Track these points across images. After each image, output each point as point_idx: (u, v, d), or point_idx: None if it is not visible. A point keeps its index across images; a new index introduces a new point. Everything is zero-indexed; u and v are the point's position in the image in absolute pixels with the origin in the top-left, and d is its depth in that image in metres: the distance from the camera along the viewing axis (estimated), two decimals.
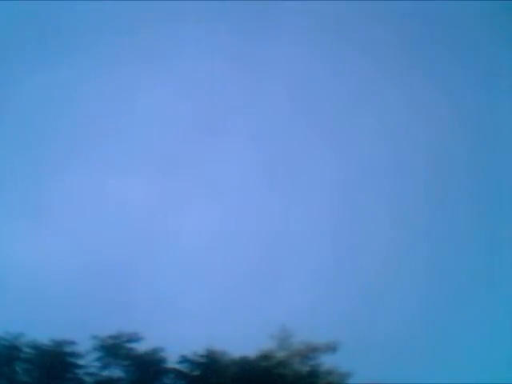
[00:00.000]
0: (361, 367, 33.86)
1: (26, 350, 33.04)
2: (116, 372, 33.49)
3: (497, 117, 49.73)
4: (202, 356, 34.35)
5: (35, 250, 41.04)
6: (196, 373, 34.20)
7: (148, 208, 46.72)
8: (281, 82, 51.69)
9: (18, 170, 47.32)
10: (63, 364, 32.83)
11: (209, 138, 50.61)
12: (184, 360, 34.09)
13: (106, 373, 33.43)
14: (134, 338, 33.64)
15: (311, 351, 35.06)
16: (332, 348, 35.04)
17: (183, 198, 47.83)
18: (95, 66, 50.45)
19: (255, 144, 51.00)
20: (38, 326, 32.72)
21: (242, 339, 33.72)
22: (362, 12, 51.24)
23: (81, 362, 33.35)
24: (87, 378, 33.25)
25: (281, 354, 34.99)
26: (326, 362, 35.07)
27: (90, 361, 33.46)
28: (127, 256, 41.76)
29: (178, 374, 34.16)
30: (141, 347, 33.75)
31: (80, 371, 33.21)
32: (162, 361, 33.93)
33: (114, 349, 33.26)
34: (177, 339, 32.86)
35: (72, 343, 33.26)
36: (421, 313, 39.94)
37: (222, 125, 51.24)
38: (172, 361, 34.30)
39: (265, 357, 34.68)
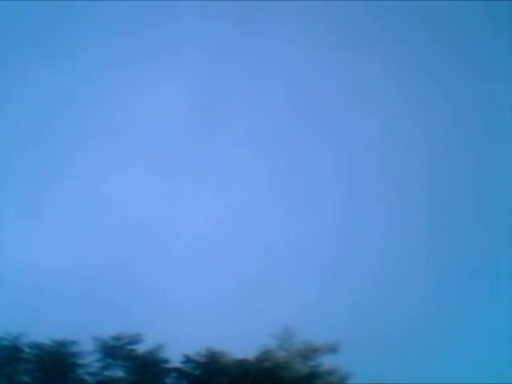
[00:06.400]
0: (361, 367, 33.93)
1: (27, 350, 33.03)
2: (117, 372, 33.51)
3: (497, 116, 49.85)
4: (202, 356, 34.37)
5: (36, 250, 41.06)
6: (197, 373, 34.22)
7: (148, 209, 46.77)
8: (281, 82, 51.78)
9: (18, 169, 47.32)
10: (64, 364, 32.83)
11: (209, 136, 50.67)
12: (186, 360, 34.12)
13: (107, 373, 33.43)
14: (136, 340, 33.70)
15: (312, 351, 35.11)
16: (333, 348, 35.11)
17: (183, 198, 47.94)
18: (96, 65, 50.49)
19: (255, 142, 51.06)
20: (39, 327, 32.73)
21: (243, 339, 33.77)
22: (361, 12, 51.33)
23: (82, 362, 33.36)
24: (88, 378, 33.27)
25: (282, 355, 35.04)
26: (327, 362, 35.21)
27: (91, 361, 33.50)
28: (128, 256, 41.84)
29: (179, 374, 34.19)
30: (142, 348, 33.83)
31: (81, 371, 33.22)
32: (163, 361, 33.95)
33: (115, 350, 33.30)
34: (177, 339, 32.90)
35: (73, 343, 33.29)
36: (421, 313, 40.02)
37: (222, 123, 51.28)
38: (172, 361, 34.34)
39: (266, 357, 34.73)
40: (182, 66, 51.32)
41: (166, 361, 33.98)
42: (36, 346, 33.10)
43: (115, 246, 42.41)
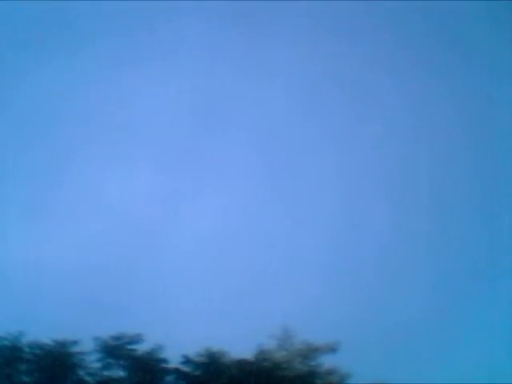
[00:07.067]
0: (361, 367, 33.94)
1: (28, 350, 33.09)
2: (117, 372, 33.57)
3: (498, 117, 49.82)
4: (202, 356, 34.41)
5: (36, 250, 41.05)
6: (197, 373, 34.26)
7: (149, 209, 46.78)
8: (281, 81, 51.76)
9: (18, 169, 47.32)
10: (65, 364, 32.88)
11: (210, 135, 50.65)
12: (186, 360, 34.17)
13: (107, 373, 33.49)
14: (136, 340, 33.76)
15: (311, 351, 35.14)
16: (332, 348, 35.14)
17: (184, 198, 47.92)
18: (96, 64, 50.49)
19: (256, 142, 51.03)
20: (39, 327, 32.76)
21: (243, 339, 33.79)
22: (362, 12, 51.26)
23: (82, 362, 33.39)
24: (89, 378, 33.32)
25: (281, 355, 35.06)
26: (327, 362, 35.23)
27: (91, 361, 33.55)
28: (128, 256, 41.79)
29: (179, 374, 34.24)
30: (142, 348, 33.89)
31: (81, 371, 33.27)
32: (163, 361, 34.01)
33: (115, 350, 33.36)
34: (177, 339, 32.93)
35: (74, 343, 33.34)
36: (421, 313, 40.01)
37: (223, 123, 51.29)
38: (172, 361, 34.40)
39: (265, 357, 34.76)
40: (183, 65, 51.33)
41: (165, 361, 34.05)
42: (36, 345, 33.16)
43: (115, 245, 42.42)
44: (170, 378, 34.11)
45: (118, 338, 33.64)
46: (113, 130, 49.54)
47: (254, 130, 51.25)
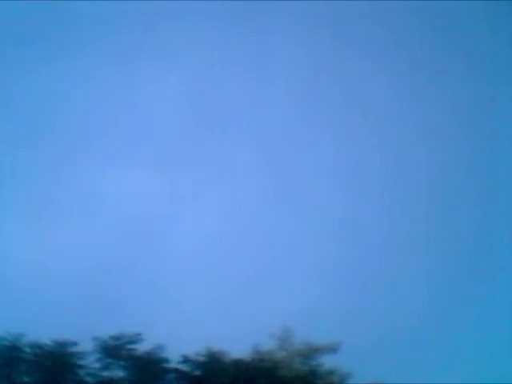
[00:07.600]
0: (361, 367, 33.94)
1: (28, 350, 33.04)
2: (117, 372, 33.53)
3: (497, 115, 49.87)
4: (202, 356, 34.39)
5: (37, 250, 41.07)
6: (196, 373, 34.24)
7: (149, 208, 46.79)
8: (282, 82, 51.84)
9: (18, 168, 47.33)
10: (64, 365, 32.84)
11: (211, 135, 50.68)
12: (185, 360, 34.14)
13: (107, 373, 33.45)
14: (136, 339, 33.73)
15: (312, 351, 35.12)
16: (333, 348, 35.12)
17: (183, 198, 47.95)
18: (97, 63, 50.53)
19: (257, 142, 51.08)
20: (39, 327, 32.72)
21: (243, 339, 33.79)
22: (361, 12, 51.34)
23: (82, 362, 33.36)
24: (88, 379, 33.29)
25: (281, 355, 35.05)
26: (327, 362, 35.21)
27: (91, 361, 33.51)
28: (128, 256, 41.87)
29: (179, 374, 34.20)
30: (142, 348, 33.85)
31: (81, 372, 33.23)
32: (163, 361, 33.97)
33: (115, 350, 33.33)
34: (177, 339, 32.92)
35: (73, 344, 33.30)
36: (421, 313, 40.05)
37: (224, 122, 51.31)
38: (172, 361, 34.36)
39: (265, 357, 34.74)
40: (183, 65, 51.43)
41: (165, 361, 34.02)
42: (36, 346, 33.12)
43: (115, 245, 42.44)
44: (169, 378, 34.08)
45: (117, 338, 33.58)
46: (113, 130, 49.63)
47: (254, 131, 51.35)
